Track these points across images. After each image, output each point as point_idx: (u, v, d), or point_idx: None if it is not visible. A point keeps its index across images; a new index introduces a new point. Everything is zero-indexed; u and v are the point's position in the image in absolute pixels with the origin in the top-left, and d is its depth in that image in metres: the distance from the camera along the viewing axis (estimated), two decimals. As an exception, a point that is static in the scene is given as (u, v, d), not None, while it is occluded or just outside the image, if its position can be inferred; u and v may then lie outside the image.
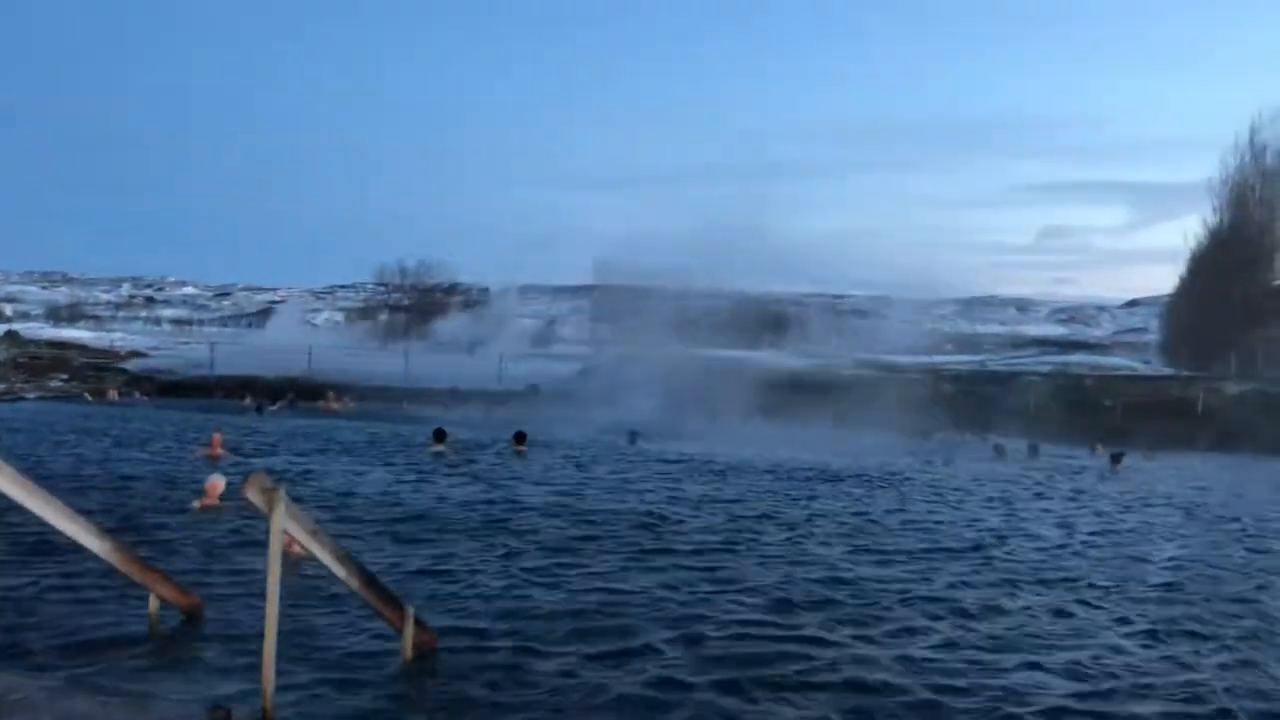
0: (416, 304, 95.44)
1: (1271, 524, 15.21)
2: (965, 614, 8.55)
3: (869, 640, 7.66)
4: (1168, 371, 51.32)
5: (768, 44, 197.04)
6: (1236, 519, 15.58)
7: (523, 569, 9.55)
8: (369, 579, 6.64)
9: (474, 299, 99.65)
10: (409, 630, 6.72)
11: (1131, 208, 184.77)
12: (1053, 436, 30.34)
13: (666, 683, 6.49)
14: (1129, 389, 38.84)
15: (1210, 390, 36.93)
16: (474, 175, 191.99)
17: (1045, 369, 47.06)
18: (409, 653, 6.72)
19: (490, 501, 13.68)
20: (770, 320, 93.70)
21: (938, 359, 57.02)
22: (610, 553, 10.53)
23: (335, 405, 37.50)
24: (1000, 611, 8.69)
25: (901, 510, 14.73)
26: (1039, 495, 17.69)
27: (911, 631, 7.99)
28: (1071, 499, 17.38)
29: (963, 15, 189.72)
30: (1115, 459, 23.95)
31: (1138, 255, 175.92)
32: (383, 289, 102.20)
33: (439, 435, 20.86)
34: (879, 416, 29.69)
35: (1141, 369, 53.05)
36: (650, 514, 13.05)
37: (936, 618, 8.39)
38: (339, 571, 6.44)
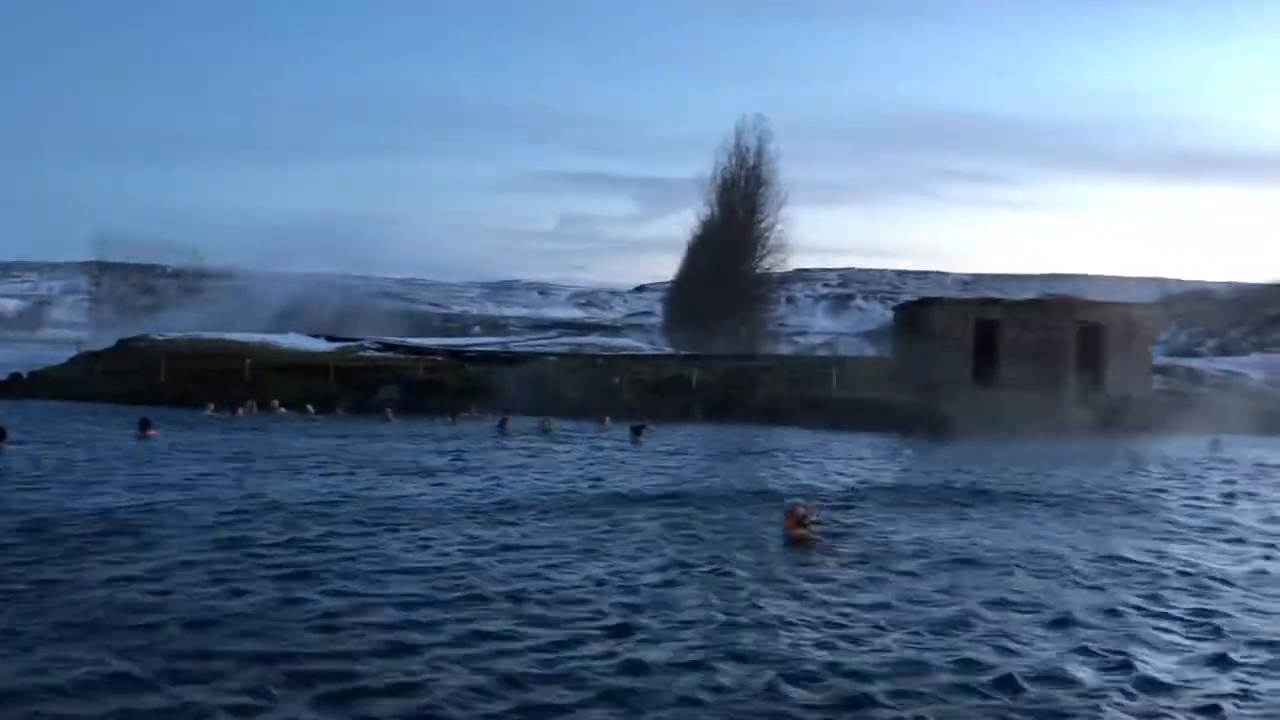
0: None
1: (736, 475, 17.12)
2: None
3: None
4: (669, 351, 56.02)
5: (271, 16, 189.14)
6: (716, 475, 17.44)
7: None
8: None
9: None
10: None
11: (641, 200, 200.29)
12: (567, 412, 31.89)
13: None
14: (635, 367, 41.84)
15: (703, 368, 40.80)
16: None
17: (561, 349, 49.44)
18: None
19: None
20: (298, 302, 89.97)
21: (462, 341, 57.95)
22: None
23: None
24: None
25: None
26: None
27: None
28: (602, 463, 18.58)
29: (486, 8, 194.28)
30: (636, 431, 25.64)
31: (646, 244, 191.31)
32: None
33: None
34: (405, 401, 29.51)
35: (646, 349, 57.49)
36: None
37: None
38: None
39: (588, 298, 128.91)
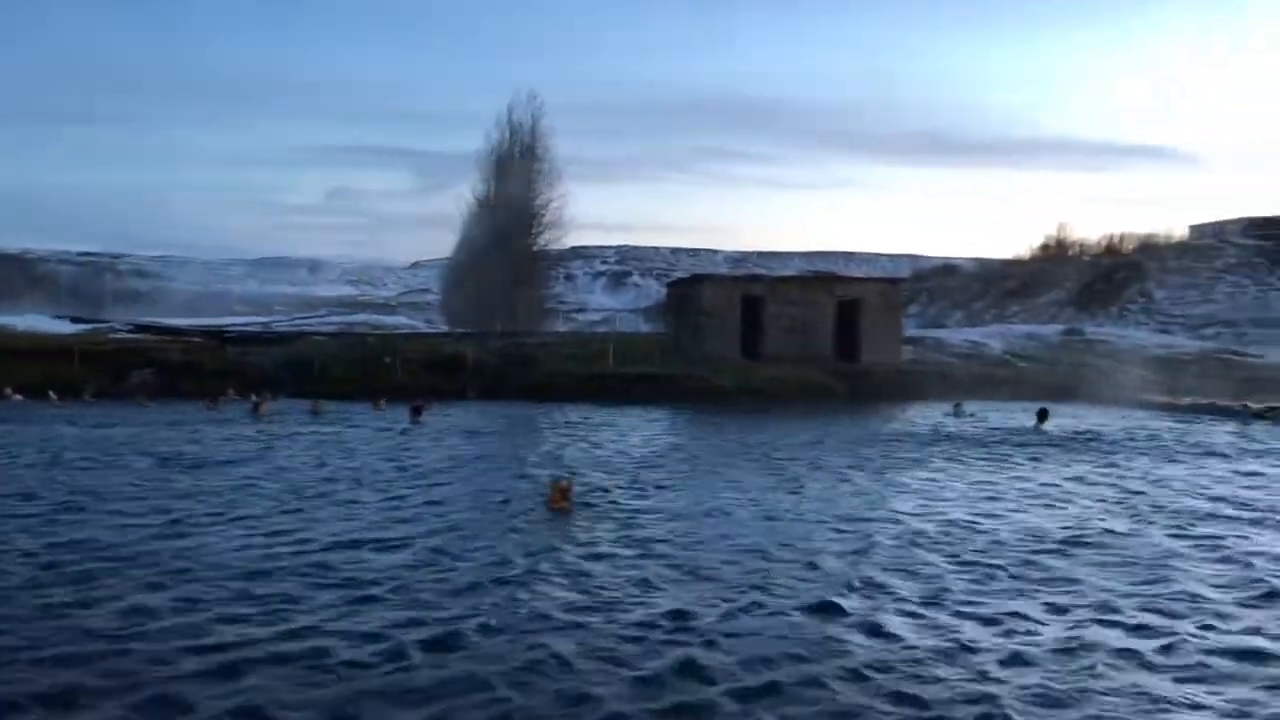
0: None
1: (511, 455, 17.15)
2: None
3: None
4: (444, 329, 55.25)
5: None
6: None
7: None
8: None
9: None
10: None
11: (416, 174, 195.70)
12: (337, 394, 30.97)
13: None
14: (408, 346, 41.05)
15: (479, 346, 40.49)
16: None
17: (330, 329, 47.91)
18: None
19: None
20: (35, 281, 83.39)
21: (223, 321, 55.13)
22: None
23: None
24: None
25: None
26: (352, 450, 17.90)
27: None
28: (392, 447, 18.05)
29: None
30: (416, 411, 25.24)
31: (422, 219, 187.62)
32: None
33: None
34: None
35: (422, 327, 56.50)
36: None
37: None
38: None
39: (360, 275, 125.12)
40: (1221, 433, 24.38)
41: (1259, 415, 27.49)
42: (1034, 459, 18.52)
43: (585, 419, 26.10)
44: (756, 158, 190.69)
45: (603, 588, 8.50)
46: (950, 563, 9.64)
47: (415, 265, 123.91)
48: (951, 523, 11.72)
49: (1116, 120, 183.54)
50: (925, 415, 27.86)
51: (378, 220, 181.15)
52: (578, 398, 32.28)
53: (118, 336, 40.29)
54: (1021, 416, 26.66)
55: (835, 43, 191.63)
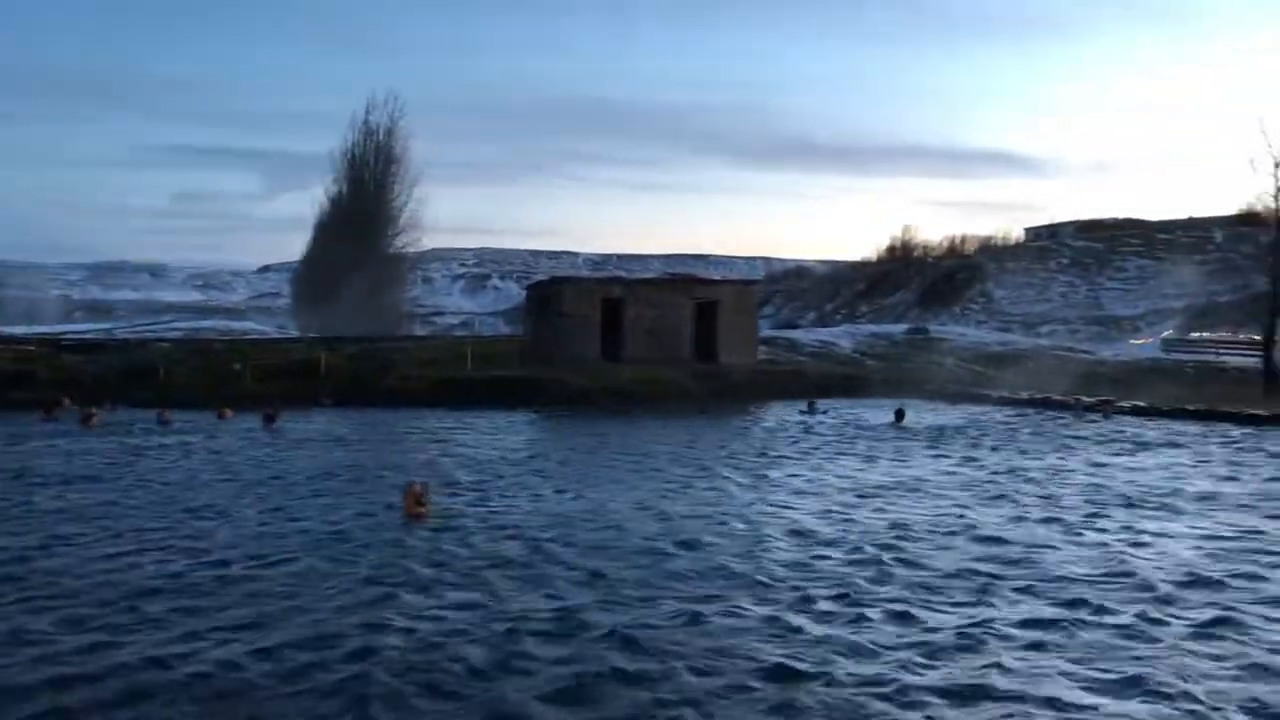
0: None
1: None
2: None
3: None
4: (295, 334, 53.84)
5: None
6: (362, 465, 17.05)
7: None
8: None
9: None
10: None
11: (264, 175, 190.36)
12: (183, 403, 29.84)
13: None
14: (259, 352, 39.85)
15: (333, 351, 39.58)
16: None
17: (176, 335, 46.14)
18: None
19: None
20: None
21: (59, 328, 52.47)
22: None
23: None
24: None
25: None
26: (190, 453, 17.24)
27: None
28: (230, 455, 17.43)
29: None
30: (269, 419, 24.65)
31: (271, 222, 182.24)
32: None
33: None
34: None
35: (272, 332, 54.90)
36: None
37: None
38: None
39: (207, 279, 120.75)
40: (1057, 425, 25.72)
41: (1091, 409, 29.08)
42: (899, 453, 19.25)
43: (443, 424, 25.84)
44: (616, 161, 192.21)
45: (457, 589, 8.50)
46: (843, 556, 9.98)
47: (265, 269, 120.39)
48: (830, 515, 12.15)
49: (961, 127, 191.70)
50: (783, 414, 28.56)
51: (226, 223, 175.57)
52: (436, 403, 31.89)
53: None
54: (872, 414, 27.60)
55: (693, 49, 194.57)
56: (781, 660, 6.67)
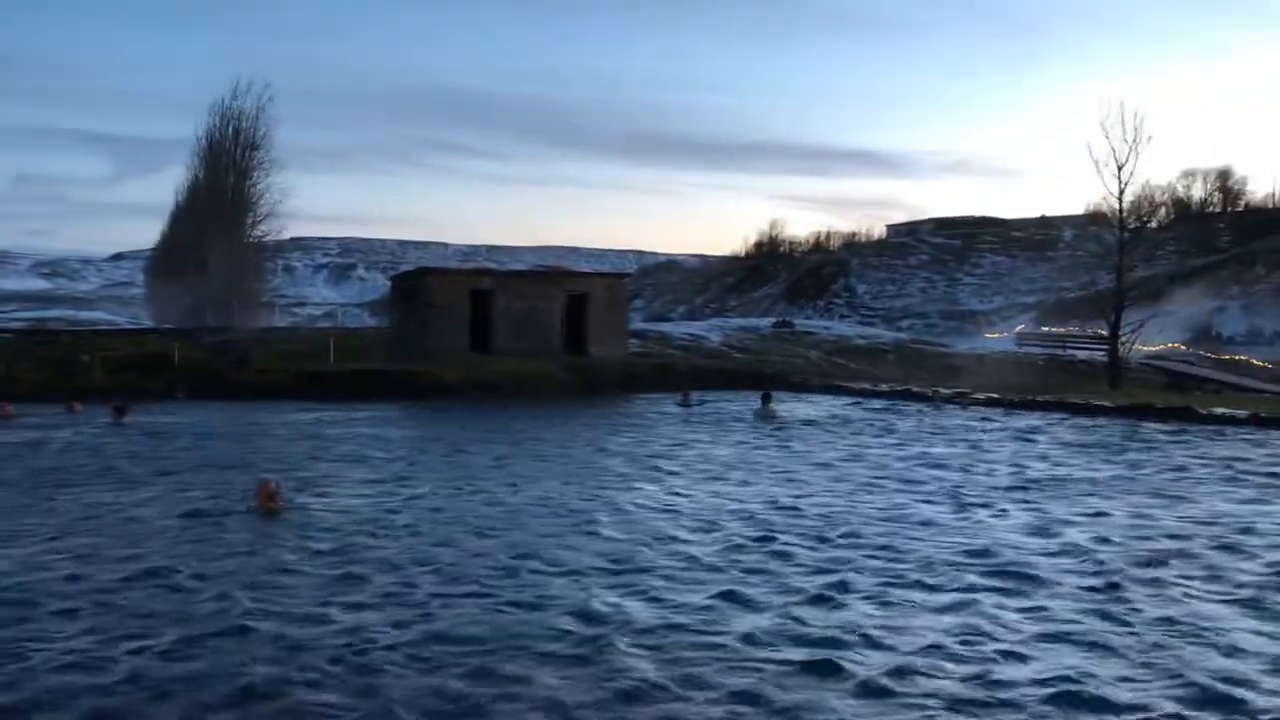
0: None
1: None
2: None
3: None
4: (150, 325, 51.75)
5: None
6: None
7: None
8: None
9: None
10: None
11: (114, 159, 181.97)
12: (25, 396, 28.30)
13: None
14: (109, 344, 38.12)
15: (188, 342, 38.16)
16: None
17: (19, 325, 43.77)
18: None
19: None
20: None
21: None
22: None
23: None
24: None
25: None
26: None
27: None
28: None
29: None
30: (120, 411, 23.67)
31: (123, 208, 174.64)
32: None
33: None
34: None
35: (124, 323, 52.61)
36: None
37: None
38: None
39: (53, 267, 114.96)
40: (915, 414, 26.52)
41: (949, 400, 30.11)
42: (779, 442, 19.56)
43: (303, 418, 25.13)
44: (486, 152, 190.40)
45: (304, 589, 8.25)
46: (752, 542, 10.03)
47: (118, 257, 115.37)
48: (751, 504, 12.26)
49: (827, 126, 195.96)
50: (657, 405, 28.70)
51: (73, 208, 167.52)
52: (297, 396, 31.02)
53: None
54: (741, 404, 27.97)
55: (563, 43, 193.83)
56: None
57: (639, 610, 7.63)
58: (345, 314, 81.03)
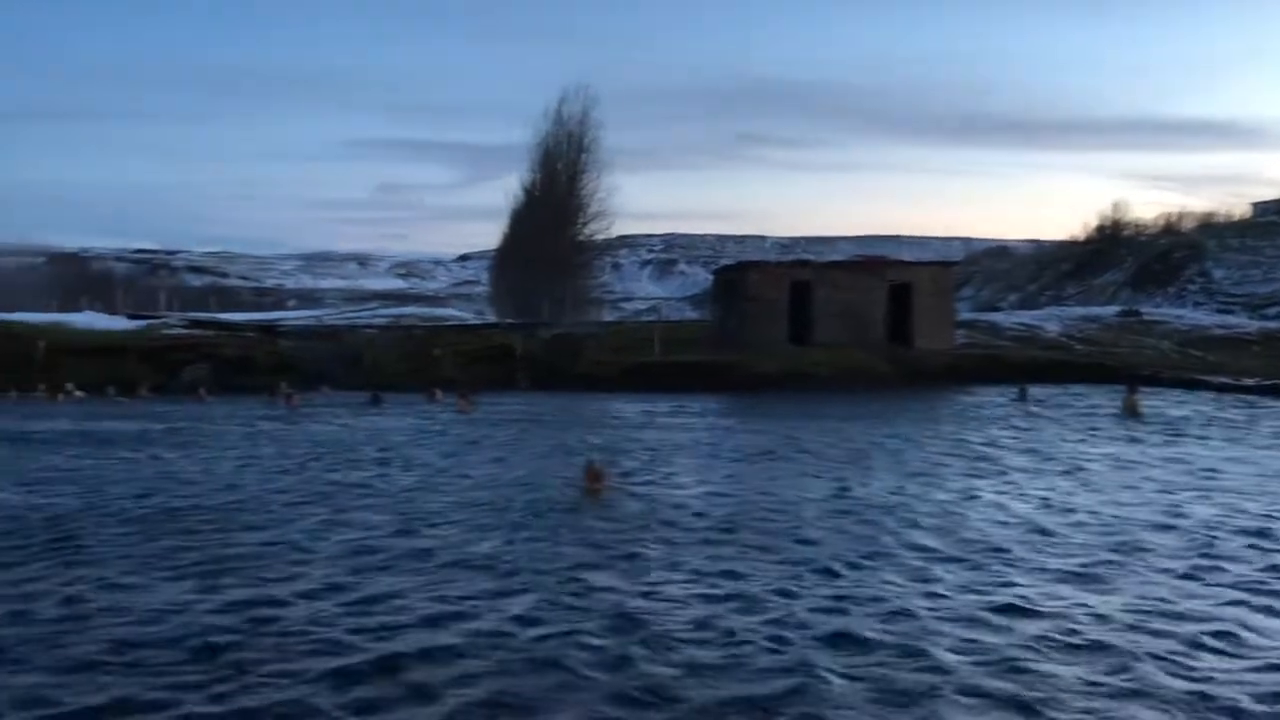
0: None
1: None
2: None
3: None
4: (493, 320, 55.41)
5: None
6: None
7: None
8: None
9: None
10: None
11: (464, 167, 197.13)
12: (387, 387, 31.09)
13: None
14: (457, 338, 41.18)
15: (527, 336, 40.50)
16: None
17: (381, 322, 48.22)
18: None
19: None
20: (91, 280, 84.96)
21: (275, 315, 55.72)
22: None
23: None
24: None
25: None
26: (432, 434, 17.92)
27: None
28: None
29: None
30: (465, 398, 25.58)
31: (469, 212, 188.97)
32: None
33: None
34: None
35: (470, 319, 56.66)
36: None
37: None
38: None
39: (408, 268, 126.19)
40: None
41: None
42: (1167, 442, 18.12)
43: (631, 407, 25.93)
44: (803, 143, 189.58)
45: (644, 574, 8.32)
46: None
47: (464, 258, 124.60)
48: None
49: (1173, 96, 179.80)
50: (991, 400, 27.30)
51: (425, 213, 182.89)
52: (624, 387, 32.14)
53: (172, 332, 40.83)
54: (1085, 401, 26.01)
55: (881, 26, 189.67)
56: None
57: None
58: (668, 308, 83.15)
